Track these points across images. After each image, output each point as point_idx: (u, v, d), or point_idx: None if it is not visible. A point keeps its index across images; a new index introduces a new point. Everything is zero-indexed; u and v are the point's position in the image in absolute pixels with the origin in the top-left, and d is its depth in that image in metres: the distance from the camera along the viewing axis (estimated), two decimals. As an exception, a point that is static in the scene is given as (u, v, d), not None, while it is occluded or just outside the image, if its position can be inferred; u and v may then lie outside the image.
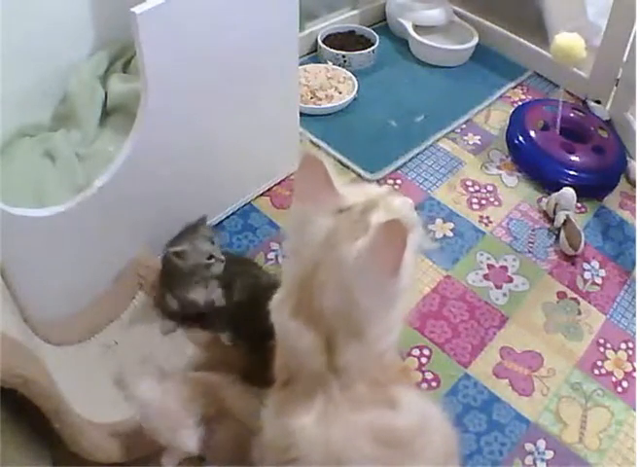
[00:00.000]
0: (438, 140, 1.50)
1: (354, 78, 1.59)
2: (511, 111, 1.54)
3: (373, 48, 1.69)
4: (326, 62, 1.67)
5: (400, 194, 0.68)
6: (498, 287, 1.19)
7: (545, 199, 1.35)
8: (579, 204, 1.34)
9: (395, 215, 0.59)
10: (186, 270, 0.98)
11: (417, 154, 1.45)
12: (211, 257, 0.98)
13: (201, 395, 0.79)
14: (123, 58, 1.25)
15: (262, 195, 1.31)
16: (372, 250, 0.56)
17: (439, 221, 1.30)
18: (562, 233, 1.26)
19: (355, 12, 1.81)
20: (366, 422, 0.60)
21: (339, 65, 1.65)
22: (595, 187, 1.38)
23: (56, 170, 1.08)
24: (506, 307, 1.15)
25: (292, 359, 0.65)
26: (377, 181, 1.37)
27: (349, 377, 0.61)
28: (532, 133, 1.43)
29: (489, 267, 1.22)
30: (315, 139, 1.45)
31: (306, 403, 0.61)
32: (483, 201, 1.36)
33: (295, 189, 0.65)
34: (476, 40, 1.72)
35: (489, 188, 1.39)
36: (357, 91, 1.56)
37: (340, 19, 1.78)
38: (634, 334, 1.14)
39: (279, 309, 0.64)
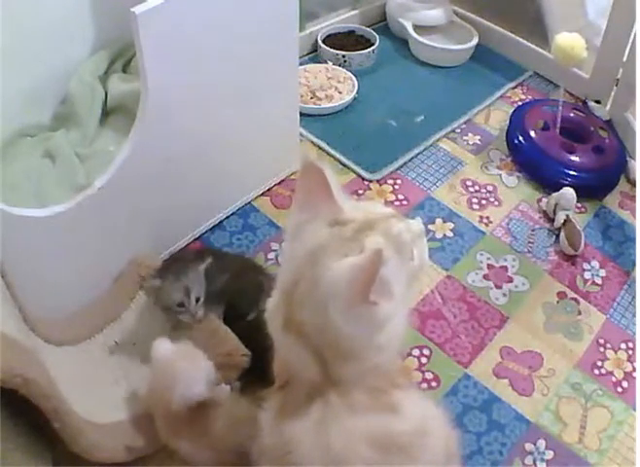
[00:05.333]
0: (438, 140, 1.50)
1: (354, 78, 1.59)
2: (511, 111, 1.54)
3: (373, 48, 1.69)
4: (326, 62, 1.67)
5: (406, 218, 0.63)
6: (498, 287, 1.19)
7: (545, 199, 1.35)
8: (579, 204, 1.34)
9: (389, 242, 0.57)
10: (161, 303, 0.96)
11: (417, 154, 1.45)
12: (181, 305, 0.94)
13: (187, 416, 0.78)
14: (123, 58, 1.25)
15: (262, 195, 1.31)
16: (349, 272, 0.54)
17: (439, 221, 1.30)
18: (562, 233, 1.26)
19: (355, 12, 1.81)
20: (365, 427, 0.59)
21: (339, 65, 1.65)
22: (595, 187, 1.38)
23: (56, 170, 1.08)
24: (506, 307, 1.15)
25: (288, 366, 0.64)
26: (378, 181, 1.37)
27: (346, 387, 0.60)
28: (532, 133, 1.43)
29: (489, 267, 1.22)
30: (315, 139, 1.45)
31: (304, 408, 0.60)
32: (483, 201, 1.36)
33: (295, 196, 0.63)
34: (476, 40, 1.72)
35: (489, 188, 1.39)
36: (357, 91, 1.56)
37: (340, 19, 1.78)
38: (634, 334, 1.14)
39: (272, 320, 0.63)
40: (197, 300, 0.95)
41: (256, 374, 0.91)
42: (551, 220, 1.31)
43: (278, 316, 0.61)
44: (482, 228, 1.30)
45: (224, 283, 1.03)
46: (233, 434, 0.74)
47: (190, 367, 0.80)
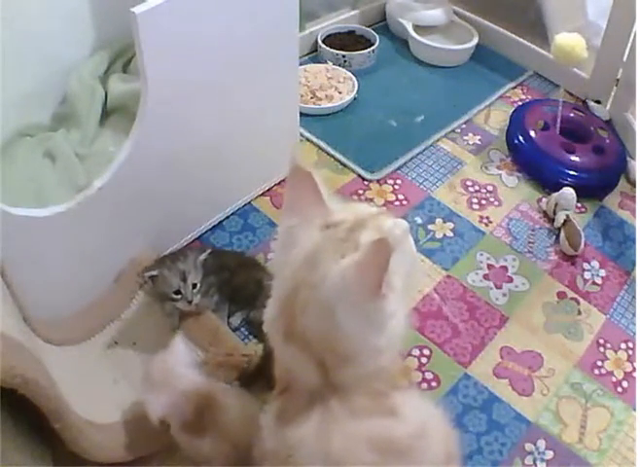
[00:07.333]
0: (438, 140, 1.50)
1: (354, 78, 1.59)
2: (511, 111, 1.54)
3: (373, 48, 1.69)
4: (326, 62, 1.67)
5: (393, 215, 0.64)
6: (498, 287, 1.19)
7: (545, 199, 1.35)
8: (579, 204, 1.34)
9: (383, 235, 0.57)
10: (159, 292, 0.97)
11: (417, 154, 1.45)
12: (178, 292, 0.95)
13: (193, 400, 0.77)
14: (123, 58, 1.25)
15: (262, 195, 1.31)
16: (356, 269, 0.54)
17: (439, 221, 1.30)
18: (562, 233, 1.26)
19: (355, 12, 1.81)
20: (365, 431, 0.59)
21: (339, 65, 1.65)
22: (595, 187, 1.38)
23: (56, 170, 1.08)
24: (506, 307, 1.15)
25: (288, 373, 0.64)
26: (378, 181, 1.37)
27: (347, 391, 0.60)
28: (532, 133, 1.43)
29: (489, 267, 1.22)
30: (315, 139, 1.45)
31: (305, 413, 0.60)
32: (483, 201, 1.36)
33: (284, 200, 0.63)
34: (476, 40, 1.72)
35: (489, 188, 1.39)
36: (357, 91, 1.56)
37: (340, 19, 1.78)
38: (634, 334, 1.14)
39: (272, 331, 0.62)
40: (194, 286, 0.96)
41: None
42: (552, 220, 1.31)
43: (278, 327, 0.61)
44: (482, 228, 1.30)
45: (223, 280, 1.03)
46: (245, 426, 0.73)
47: (168, 395, 0.77)
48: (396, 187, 1.37)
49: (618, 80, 1.52)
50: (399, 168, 1.41)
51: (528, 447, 0.97)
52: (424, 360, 1.06)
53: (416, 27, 1.74)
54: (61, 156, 1.09)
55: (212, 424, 0.75)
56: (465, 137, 1.52)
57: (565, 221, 1.26)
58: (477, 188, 1.39)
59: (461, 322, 1.12)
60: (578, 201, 1.30)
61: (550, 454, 0.96)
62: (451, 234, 1.28)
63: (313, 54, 1.73)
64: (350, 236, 0.58)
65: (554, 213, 1.30)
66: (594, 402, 1.03)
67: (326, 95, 1.54)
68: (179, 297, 0.95)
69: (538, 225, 1.32)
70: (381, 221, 0.61)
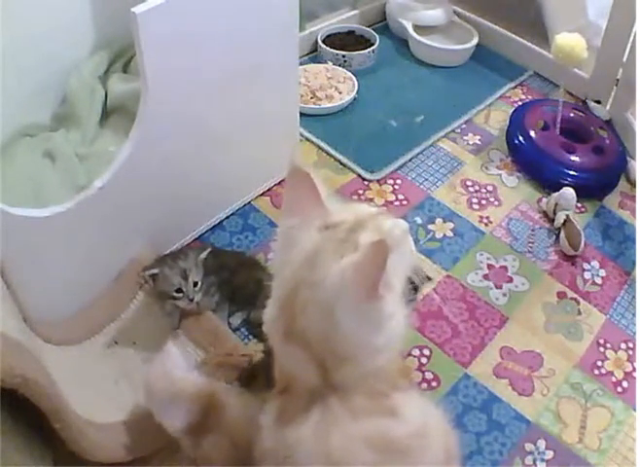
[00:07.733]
0: (438, 140, 1.50)
1: (354, 78, 1.59)
2: (511, 111, 1.54)
3: (373, 48, 1.69)
4: (326, 62, 1.67)
5: (393, 215, 0.64)
6: (498, 287, 1.19)
7: (545, 199, 1.35)
8: (579, 204, 1.34)
9: (382, 236, 0.57)
10: (160, 291, 0.97)
11: (417, 154, 1.45)
12: (179, 291, 0.95)
13: (198, 401, 0.77)
14: (123, 58, 1.25)
15: (262, 195, 1.31)
16: (353, 270, 0.54)
17: (439, 221, 1.30)
18: (562, 233, 1.26)
19: (355, 12, 1.81)
20: (365, 431, 0.59)
21: (339, 65, 1.65)
22: (595, 187, 1.38)
23: (56, 170, 1.08)
24: (506, 307, 1.15)
25: (288, 372, 0.64)
26: (378, 181, 1.37)
27: (346, 391, 0.60)
28: (532, 133, 1.43)
29: (489, 267, 1.22)
30: (315, 139, 1.45)
31: (304, 413, 0.60)
32: (483, 201, 1.36)
33: (283, 202, 0.63)
34: (476, 40, 1.72)
35: (489, 188, 1.39)
36: (357, 91, 1.56)
37: (340, 19, 1.78)
38: (634, 334, 1.14)
39: (272, 331, 0.62)
40: (195, 284, 0.97)
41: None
42: (551, 220, 1.31)
43: (278, 327, 0.61)
44: (482, 228, 1.30)
45: (224, 280, 1.03)
46: (246, 426, 0.73)
47: (176, 405, 0.77)
48: (396, 187, 1.37)
49: (618, 80, 1.52)
50: (399, 168, 1.41)
51: (528, 447, 0.97)
52: (424, 360, 1.06)
53: (416, 27, 1.74)
54: (61, 156, 1.09)
55: (216, 424, 0.75)
56: (465, 137, 1.52)
57: (565, 221, 1.26)
58: (477, 188, 1.39)
59: (461, 322, 1.12)
60: (578, 201, 1.30)
61: (550, 454, 0.96)
62: (451, 234, 1.28)
63: (313, 54, 1.73)
64: (350, 237, 0.58)
65: (554, 213, 1.30)
66: (594, 402, 1.03)
67: (326, 95, 1.54)
68: (180, 295, 0.96)
69: (538, 225, 1.32)
70: (381, 221, 0.61)
